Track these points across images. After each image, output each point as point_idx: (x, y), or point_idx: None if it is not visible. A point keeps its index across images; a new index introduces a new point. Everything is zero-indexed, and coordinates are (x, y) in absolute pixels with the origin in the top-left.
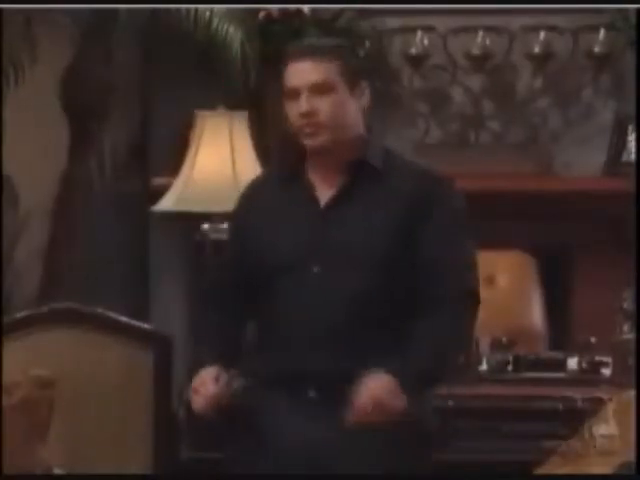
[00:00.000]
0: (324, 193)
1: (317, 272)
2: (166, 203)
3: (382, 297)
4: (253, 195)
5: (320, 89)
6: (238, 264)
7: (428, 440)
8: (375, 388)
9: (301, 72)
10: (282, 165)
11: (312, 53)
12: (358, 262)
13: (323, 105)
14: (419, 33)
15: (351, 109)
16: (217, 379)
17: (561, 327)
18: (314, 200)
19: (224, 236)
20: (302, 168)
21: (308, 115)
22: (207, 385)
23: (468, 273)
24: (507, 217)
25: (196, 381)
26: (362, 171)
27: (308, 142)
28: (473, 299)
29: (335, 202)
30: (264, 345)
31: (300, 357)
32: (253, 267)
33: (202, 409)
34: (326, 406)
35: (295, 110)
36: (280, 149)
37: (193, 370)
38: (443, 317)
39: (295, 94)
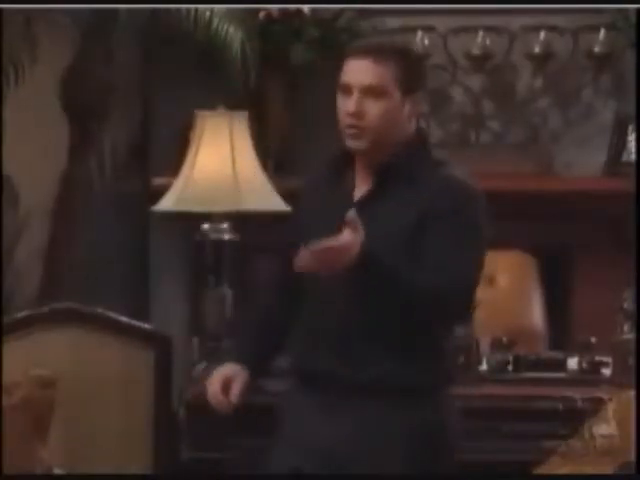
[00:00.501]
0: (360, 191)
1: (343, 272)
2: (166, 203)
3: (387, 300)
4: (305, 192)
5: (373, 92)
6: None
7: (448, 441)
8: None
9: (357, 71)
10: (331, 160)
11: (373, 54)
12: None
13: (372, 109)
14: (419, 33)
15: (400, 116)
16: (227, 383)
17: (561, 327)
18: (350, 198)
19: (224, 236)
20: (349, 165)
21: (355, 116)
22: (215, 390)
23: (461, 274)
24: (507, 217)
25: (210, 380)
26: (393, 172)
27: (350, 144)
28: (458, 296)
29: (364, 202)
30: (295, 343)
31: (326, 357)
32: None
33: (214, 407)
34: (347, 406)
35: (344, 107)
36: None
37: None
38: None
39: (347, 91)
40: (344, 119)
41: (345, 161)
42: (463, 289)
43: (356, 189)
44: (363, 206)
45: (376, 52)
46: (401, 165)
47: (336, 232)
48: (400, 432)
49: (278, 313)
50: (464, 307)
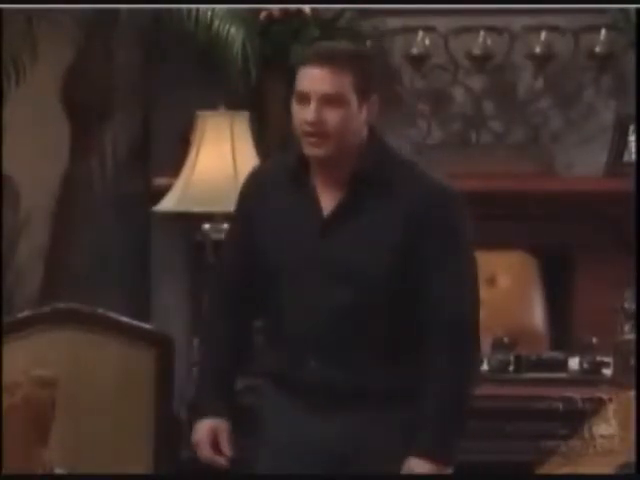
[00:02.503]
0: (328, 203)
1: (312, 282)
2: (167, 203)
3: (373, 313)
4: (257, 193)
5: (331, 100)
6: (240, 264)
7: None
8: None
9: (315, 79)
10: (286, 168)
11: (330, 61)
12: (352, 276)
13: (331, 117)
14: (420, 33)
15: (358, 122)
16: (215, 440)
17: (562, 327)
18: (317, 209)
19: (225, 236)
20: (306, 173)
21: (314, 124)
22: (208, 451)
23: (466, 305)
24: (508, 217)
25: (196, 441)
26: (367, 184)
27: (310, 152)
28: (471, 329)
29: (337, 214)
30: (266, 344)
31: (294, 361)
32: (253, 267)
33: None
34: (325, 408)
35: (302, 116)
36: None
37: (194, 415)
38: (449, 364)
39: (305, 99)
40: (302, 127)
41: (302, 169)
42: (474, 327)
43: (322, 200)
44: (336, 219)
45: (332, 59)
46: (373, 172)
47: (303, 245)
48: (391, 433)
49: (232, 345)
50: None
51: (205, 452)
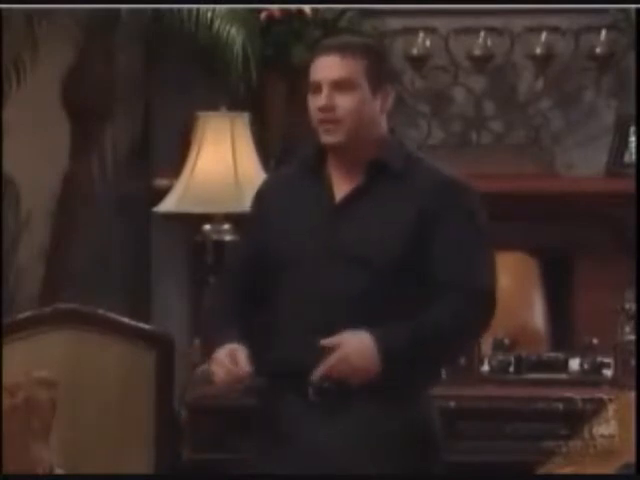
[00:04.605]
0: (341, 190)
1: (323, 268)
2: (168, 204)
3: (385, 298)
4: (272, 187)
5: (342, 86)
6: (252, 256)
7: (432, 442)
8: (348, 346)
9: (326, 67)
10: (303, 159)
11: (340, 49)
12: (364, 262)
13: (342, 102)
14: (421, 34)
15: (371, 109)
16: (233, 357)
17: (563, 328)
18: (330, 196)
19: (225, 237)
20: (322, 163)
21: (326, 110)
22: (224, 362)
23: (482, 276)
24: (508, 218)
25: (214, 359)
26: (380, 172)
27: (325, 139)
28: (485, 301)
29: (349, 200)
30: (270, 341)
31: (301, 355)
32: (265, 260)
33: (224, 387)
34: (326, 405)
35: (315, 104)
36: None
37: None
38: (449, 307)
39: (317, 88)
40: (316, 115)
41: (318, 159)
42: (481, 296)
43: (335, 188)
44: (348, 205)
45: (341, 47)
46: (387, 161)
47: (315, 231)
48: (388, 431)
49: (242, 305)
50: (493, 310)
51: (222, 370)
